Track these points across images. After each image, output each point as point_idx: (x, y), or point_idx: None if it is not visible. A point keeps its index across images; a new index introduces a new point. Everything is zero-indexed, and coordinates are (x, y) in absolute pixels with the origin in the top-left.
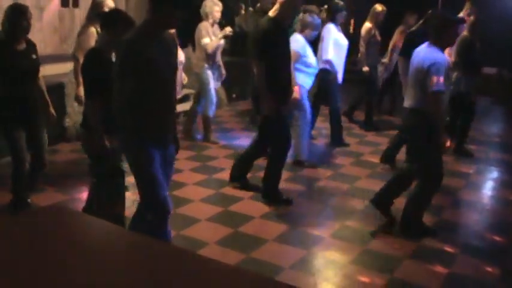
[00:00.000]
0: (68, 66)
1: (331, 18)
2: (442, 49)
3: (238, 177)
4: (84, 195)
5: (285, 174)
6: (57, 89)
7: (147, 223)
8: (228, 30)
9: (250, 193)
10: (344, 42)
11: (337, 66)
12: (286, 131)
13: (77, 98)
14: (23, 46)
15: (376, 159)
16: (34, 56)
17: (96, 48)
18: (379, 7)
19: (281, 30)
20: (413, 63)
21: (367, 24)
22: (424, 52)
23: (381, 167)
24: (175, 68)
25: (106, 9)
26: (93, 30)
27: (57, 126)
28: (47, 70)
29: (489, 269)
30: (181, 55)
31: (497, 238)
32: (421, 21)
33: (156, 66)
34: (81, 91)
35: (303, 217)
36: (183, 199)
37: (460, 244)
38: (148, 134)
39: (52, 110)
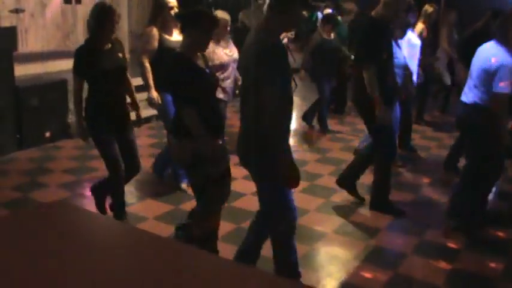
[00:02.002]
0: (71, 63)
1: None
2: (509, 48)
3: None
4: (86, 191)
5: None
6: (60, 85)
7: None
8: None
9: (253, 189)
10: (416, 42)
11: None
12: (392, 138)
13: (150, 101)
14: (107, 46)
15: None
16: (120, 55)
17: (179, 52)
18: (429, 8)
19: (383, 32)
20: (478, 59)
21: (420, 25)
22: (491, 51)
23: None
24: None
25: (171, 8)
26: (155, 32)
27: (60, 123)
28: (49, 67)
29: (492, 265)
30: (235, 52)
31: (500, 234)
32: (479, 23)
33: (289, 72)
34: (154, 93)
35: (305, 213)
36: (188, 195)
37: (463, 240)
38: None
39: (140, 113)
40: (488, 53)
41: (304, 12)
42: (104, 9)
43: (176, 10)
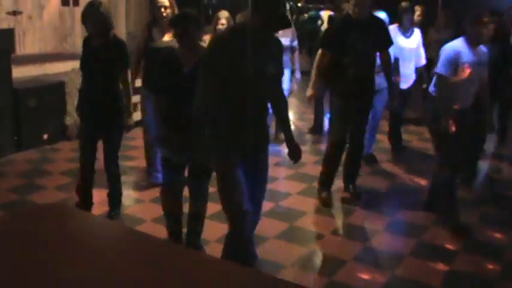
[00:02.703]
0: (69, 65)
1: (398, 19)
2: (471, 44)
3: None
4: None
5: (285, 171)
6: (57, 87)
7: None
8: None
9: None
10: (406, 45)
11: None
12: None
13: None
14: (99, 42)
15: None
16: (107, 55)
17: (173, 48)
18: (417, 8)
19: (343, 26)
20: None
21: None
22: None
23: (383, 164)
24: (267, 74)
25: (160, 8)
26: (143, 35)
27: (58, 125)
28: (47, 69)
29: (490, 266)
30: None
31: (497, 235)
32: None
33: (233, 69)
34: None
35: (303, 214)
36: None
37: (461, 241)
38: (223, 140)
39: (128, 120)
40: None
41: (306, 15)
42: (85, 8)
43: (165, 10)
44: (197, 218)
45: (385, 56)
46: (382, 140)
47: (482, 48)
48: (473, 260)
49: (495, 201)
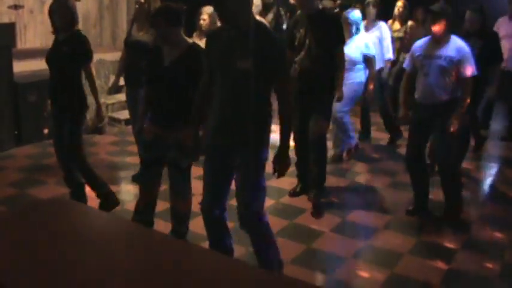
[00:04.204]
0: None
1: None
2: (432, 38)
3: None
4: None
5: None
6: None
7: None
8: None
9: None
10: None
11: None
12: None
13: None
14: (62, 37)
15: (374, 155)
16: (65, 48)
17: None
18: (398, 3)
19: (301, 24)
20: None
21: (390, 21)
22: None
23: (383, 162)
24: (243, 71)
25: (135, 3)
26: (129, 28)
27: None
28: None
29: (489, 265)
30: None
31: (497, 234)
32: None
33: (212, 63)
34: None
35: (302, 212)
36: None
37: (460, 240)
38: (208, 133)
39: (101, 113)
40: None
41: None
42: (52, 2)
43: (141, 5)
44: (176, 215)
45: (337, 54)
46: (381, 138)
47: (453, 43)
48: (473, 259)
49: (495, 200)
